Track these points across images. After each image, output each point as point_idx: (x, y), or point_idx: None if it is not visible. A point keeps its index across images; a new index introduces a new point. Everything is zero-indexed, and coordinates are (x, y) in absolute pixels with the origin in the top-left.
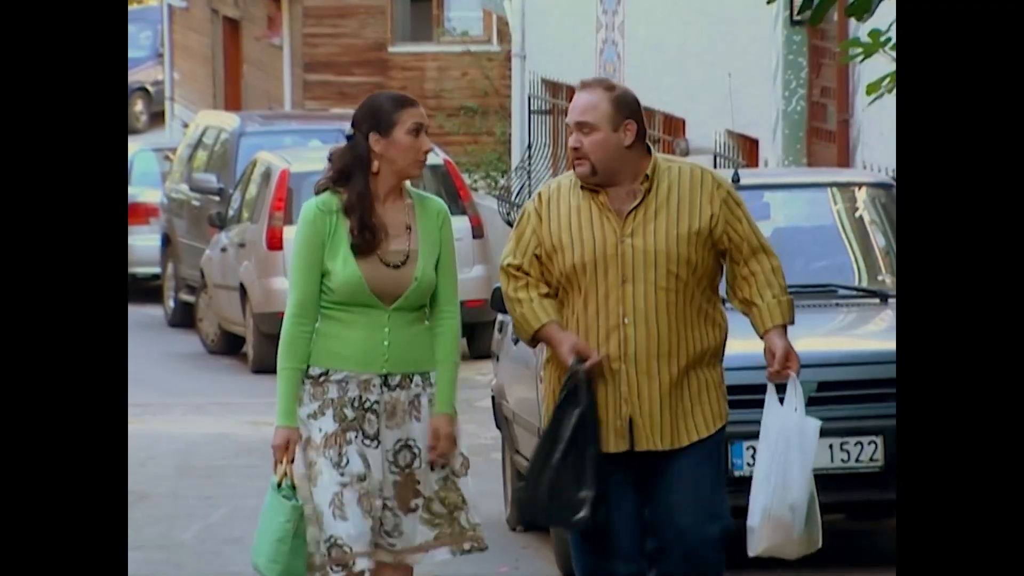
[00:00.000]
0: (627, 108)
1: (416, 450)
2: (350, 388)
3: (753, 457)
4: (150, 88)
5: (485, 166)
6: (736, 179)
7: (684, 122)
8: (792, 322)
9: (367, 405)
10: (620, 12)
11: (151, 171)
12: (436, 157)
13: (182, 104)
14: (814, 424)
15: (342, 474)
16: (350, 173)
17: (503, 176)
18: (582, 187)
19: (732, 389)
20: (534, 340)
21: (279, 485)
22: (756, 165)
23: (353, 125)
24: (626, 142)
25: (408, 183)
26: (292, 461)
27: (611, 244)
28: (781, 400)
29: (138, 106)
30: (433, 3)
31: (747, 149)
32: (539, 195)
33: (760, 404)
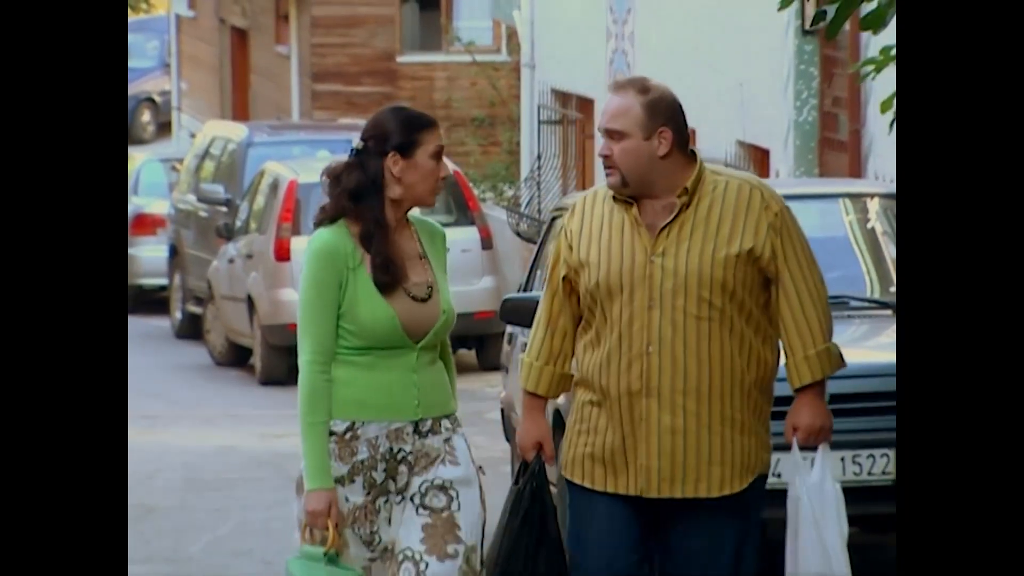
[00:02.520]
0: (663, 114)
1: (453, 493)
2: (381, 443)
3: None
4: (157, 98)
5: (493, 177)
6: None
7: (695, 132)
8: (829, 371)
9: (400, 456)
10: (630, 21)
11: (158, 182)
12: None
13: (189, 114)
14: (840, 494)
15: (372, 551)
16: (360, 196)
17: (510, 187)
18: (614, 197)
19: None
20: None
21: (325, 554)
22: (767, 176)
23: (365, 140)
24: (660, 151)
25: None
26: (337, 525)
27: (639, 263)
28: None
29: (145, 116)
30: (442, 13)
31: (758, 160)
32: (573, 207)
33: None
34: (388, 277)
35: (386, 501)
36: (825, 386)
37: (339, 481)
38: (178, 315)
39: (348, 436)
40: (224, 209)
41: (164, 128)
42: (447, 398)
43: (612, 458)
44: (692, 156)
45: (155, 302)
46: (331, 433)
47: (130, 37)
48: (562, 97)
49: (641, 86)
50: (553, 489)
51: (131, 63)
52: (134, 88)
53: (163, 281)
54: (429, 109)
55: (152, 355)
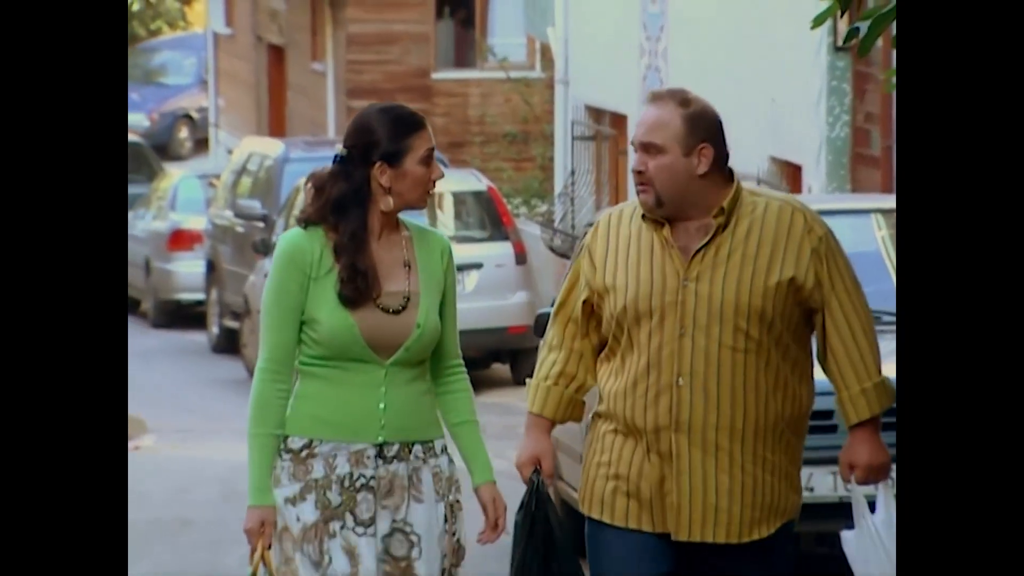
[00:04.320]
0: (704, 129)
1: (415, 538)
2: (338, 463)
3: (808, 483)
4: (195, 115)
5: (526, 192)
6: None
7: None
8: (887, 405)
9: (360, 483)
10: (663, 38)
11: (195, 198)
12: (479, 183)
13: (226, 131)
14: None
15: (320, 573)
16: (344, 207)
17: (543, 202)
18: (644, 216)
19: None
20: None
21: (254, 575)
22: (800, 191)
23: (349, 148)
24: (700, 170)
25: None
26: (269, 547)
27: (671, 288)
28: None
29: (183, 133)
30: (477, 30)
31: (791, 175)
32: (596, 225)
33: (818, 431)
34: (352, 292)
35: (342, 527)
36: (880, 422)
37: (290, 501)
38: (215, 330)
39: (304, 454)
40: (261, 224)
41: (201, 144)
42: (424, 423)
43: (638, 492)
44: (730, 175)
45: (192, 317)
46: (287, 450)
47: (168, 54)
48: (595, 113)
49: (682, 98)
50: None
51: (169, 80)
52: (172, 105)
53: (200, 296)
54: (463, 125)
55: (189, 369)
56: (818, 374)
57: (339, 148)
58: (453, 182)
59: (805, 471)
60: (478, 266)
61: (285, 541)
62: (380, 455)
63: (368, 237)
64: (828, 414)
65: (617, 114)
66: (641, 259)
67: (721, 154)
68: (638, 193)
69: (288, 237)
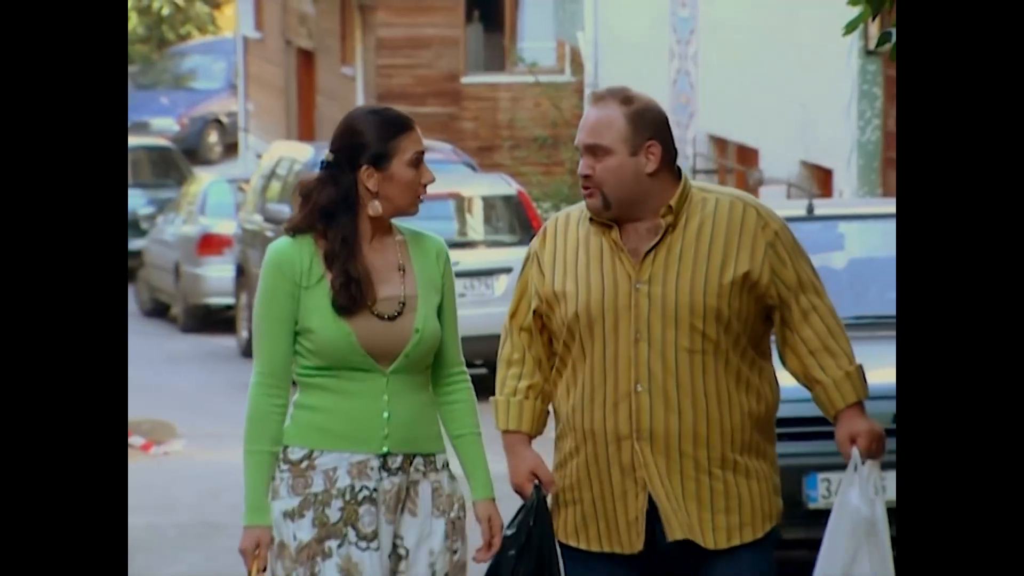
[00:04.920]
0: (650, 126)
1: (403, 551)
2: (339, 476)
3: (827, 489)
4: (224, 119)
5: (555, 196)
6: (810, 210)
7: (758, 152)
8: (866, 393)
9: (362, 496)
10: (694, 42)
11: (225, 202)
12: (509, 187)
13: (256, 135)
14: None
15: None
16: (333, 214)
17: (572, 205)
18: (591, 219)
19: (805, 421)
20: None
21: None
22: (830, 195)
23: (335, 152)
24: (648, 168)
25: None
26: (264, 569)
27: (623, 292)
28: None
29: (212, 137)
30: (506, 34)
31: (821, 179)
32: (543, 231)
33: (830, 436)
34: (347, 300)
35: (341, 544)
36: (864, 406)
37: (288, 516)
38: (244, 334)
39: (304, 465)
40: None
41: (231, 149)
42: (427, 435)
43: (605, 510)
44: (678, 173)
45: (222, 321)
46: (287, 461)
47: (198, 59)
48: None
49: (623, 96)
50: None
51: (198, 84)
52: (201, 109)
53: (230, 300)
54: (493, 129)
55: (218, 374)
56: None
57: (326, 153)
58: (483, 186)
59: (825, 476)
60: (507, 270)
61: (284, 559)
62: (384, 467)
63: (359, 243)
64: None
65: None
66: (591, 264)
67: (669, 151)
68: (585, 197)
69: (275, 246)
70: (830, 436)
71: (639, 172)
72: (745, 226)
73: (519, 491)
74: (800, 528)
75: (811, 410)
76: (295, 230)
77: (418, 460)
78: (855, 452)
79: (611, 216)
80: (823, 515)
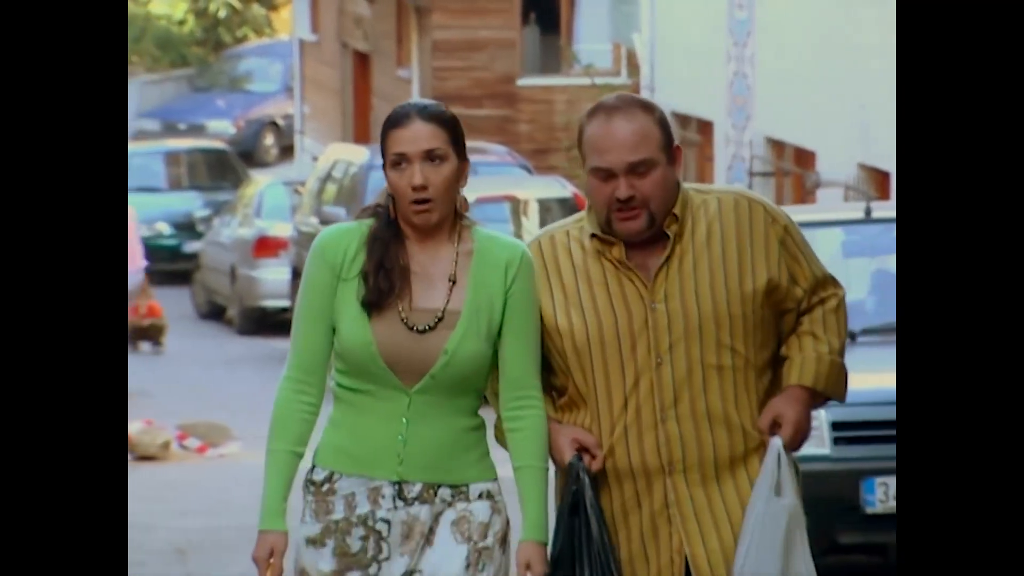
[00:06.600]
0: (669, 129)
1: None
2: (359, 502)
3: (885, 494)
4: (280, 122)
5: None
6: (868, 212)
7: (815, 155)
8: (836, 392)
9: (380, 525)
10: (750, 44)
11: (281, 205)
12: (564, 190)
13: (312, 138)
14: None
15: None
16: (385, 205)
17: None
18: (592, 236)
19: (862, 425)
20: None
21: None
22: (888, 198)
23: None
24: (679, 175)
25: (468, 220)
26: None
27: (637, 315)
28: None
29: (268, 140)
30: (562, 36)
31: (879, 182)
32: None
33: (870, 441)
34: (373, 294)
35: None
36: (815, 403)
37: (312, 543)
38: None
39: (325, 489)
40: None
41: (287, 151)
42: (458, 465)
43: (631, 555)
44: None
45: (277, 323)
46: (311, 482)
47: (254, 61)
48: (681, 120)
49: (642, 103)
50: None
51: (255, 87)
52: (257, 112)
53: (285, 303)
54: (548, 132)
55: (273, 376)
56: (867, 383)
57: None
58: (538, 189)
59: (883, 480)
60: None
61: None
62: (400, 495)
63: (399, 236)
64: (880, 424)
65: (703, 120)
66: (595, 289)
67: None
68: (623, 221)
69: (323, 231)
70: (888, 440)
71: (674, 180)
72: (755, 224)
73: (558, 459)
74: (858, 532)
75: (868, 414)
76: (364, 211)
77: (444, 491)
78: (778, 442)
79: (645, 235)
80: (881, 520)
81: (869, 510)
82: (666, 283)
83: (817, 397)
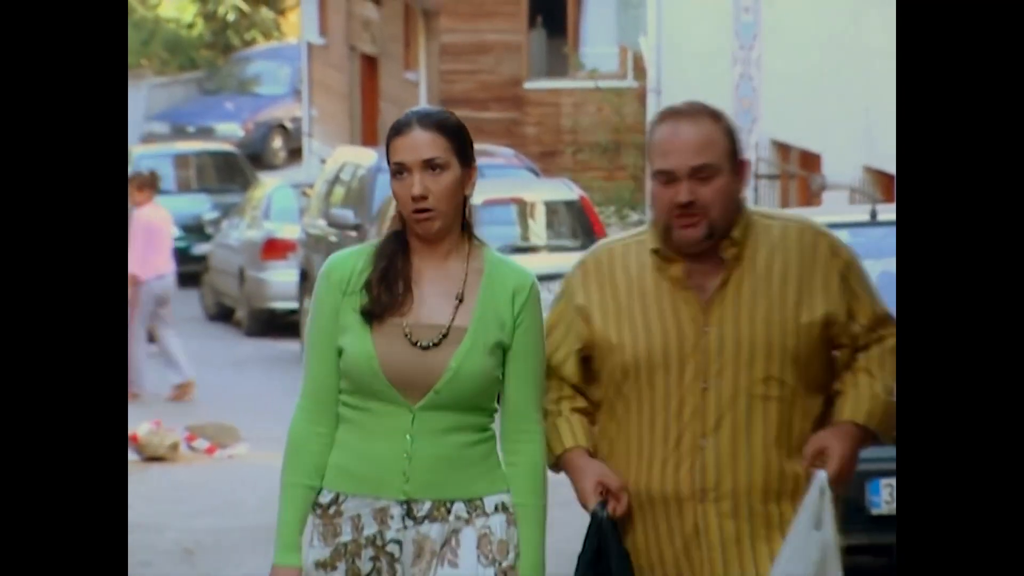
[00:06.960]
0: (737, 139)
1: None
2: (365, 523)
3: (891, 495)
4: (288, 125)
5: (617, 202)
6: (874, 215)
7: (821, 157)
8: (881, 435)
9: (390, 546)
10: (756, 47)
11: (289, 207)
12: (571, 193)
13: (320, 140)
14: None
15: None
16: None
17: (635, 212)
18: (653, 252)
19: None
20: (556, 466)
21: None
22: (894, 201)
23: None
24: (743, 189)
25: (480, 242)
26: None
27: (688, 337)
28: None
29: (277, 142)
30: (569, 39)
31: (885, 185)
32: (583, 268)
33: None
34: (376, 300)
35: None
36: (864, 440)
37: (321, 566)
38: None
39: (332, 511)
40: (354, 234)
41: (295, 154)
42: (467, 478)
43: None
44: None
45: (286, 325)
46: (317, 504)
47: (262, 64)
48: None
49: (711, 111)
50: None
51: (263, 90)
52: (266, 115)
53: (293, 305)
54: (555, 134)
55: (282, 378)
56: None
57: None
58: (545, 191)
59: (888, 482)
60: None
61: None
62: (409, 514)
63: (406, 249)
64: None
65: None
66: (648, 306)
67: None
68: (682, 228)
69: (331, 256)
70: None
71: (737, 194)
72: (817, 256)
73: (584, 502)
74: (863, 534)
75: None
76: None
77: (458, 506)
78: (823, 476)
79: (701, 248)
80: (886, 521)
81: (874, 511)
82: (722, 307)
83: (867, 436)
